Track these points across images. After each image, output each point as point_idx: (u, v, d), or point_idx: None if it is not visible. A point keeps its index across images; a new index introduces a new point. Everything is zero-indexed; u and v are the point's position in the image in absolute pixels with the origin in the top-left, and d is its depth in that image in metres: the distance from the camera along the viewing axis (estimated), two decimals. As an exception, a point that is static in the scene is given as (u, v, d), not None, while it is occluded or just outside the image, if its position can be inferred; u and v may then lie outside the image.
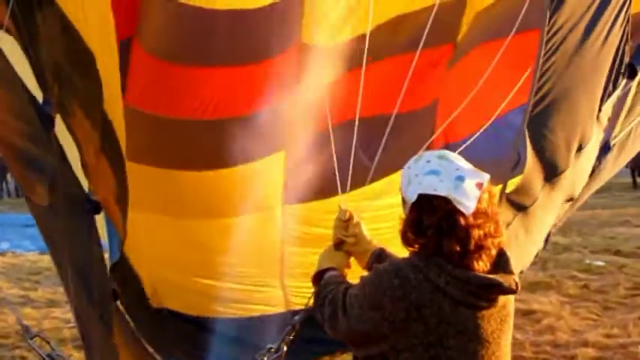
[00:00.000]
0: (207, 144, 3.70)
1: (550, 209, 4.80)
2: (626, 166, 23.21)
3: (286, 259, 4.15)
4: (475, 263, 2.21)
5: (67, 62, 3.58)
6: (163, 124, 3.63)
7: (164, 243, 4.07)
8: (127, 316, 4.33)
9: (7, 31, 3.45)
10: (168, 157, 3.76)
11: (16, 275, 9.20)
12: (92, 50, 3.42)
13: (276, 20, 3.40)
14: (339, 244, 2.82)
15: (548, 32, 3.93)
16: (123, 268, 4.09)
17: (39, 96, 3.73)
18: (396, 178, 2.97)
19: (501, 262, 2.28)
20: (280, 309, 4.33)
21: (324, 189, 3.61)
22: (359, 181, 3.45)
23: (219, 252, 4.00)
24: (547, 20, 3.91)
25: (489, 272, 2.23)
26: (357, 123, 3.25)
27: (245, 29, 3.39)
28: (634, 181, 22.20)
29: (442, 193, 2.19)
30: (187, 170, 3.78)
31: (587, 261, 11.46)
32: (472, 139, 3.78)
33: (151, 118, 3.60)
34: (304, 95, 3.49)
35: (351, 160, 3.29)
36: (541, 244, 5.09)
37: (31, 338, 3.78)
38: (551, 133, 4.26)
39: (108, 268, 4.05)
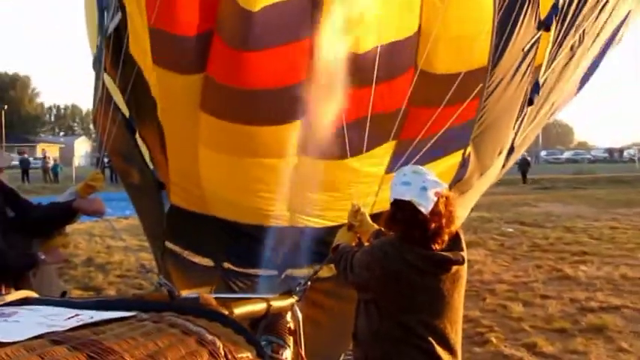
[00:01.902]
0: (262, 107, 4.03)
1: (477, 192, 5.37)
2: (518, 169, 27.30)
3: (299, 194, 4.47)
4: (433, 245, 2.64)
5: (140, 93, 4.35)
6: (235, 93, 4.01)
7: (229, 173, 4.41)
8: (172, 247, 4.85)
9: (106, 71, 4.43)
10: (238, 116, 4.12)
11: (135, 231, 10.45)
12: (150, 84, 4.14)
13: (308, 6, 3.73)
14: (350, 227, 3.41)
15: (488, 82, 4.29)
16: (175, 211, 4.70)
17: (126, 113, 4.56)
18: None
19: (455, 243, 2.70)
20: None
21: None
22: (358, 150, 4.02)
23: (266, 181, 4.40)
24: (488, 75, 4.24)
25: (445, 250, 2.65)
26: (369, 117, 3.84)
27: (283, 22, 3.73)
28: (523, 179, 29.11)
29: (407, 198, 2.64)
30: (250, 125, 4.15)
31: (503, 228, 13.99)
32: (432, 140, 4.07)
33: (227, 89, 3.99)
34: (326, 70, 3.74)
35: (366, 134, 3.84)
36: (467, 213, 5.55)
37: (147, 272, 4.73)
38: (485, 144, 4.81)
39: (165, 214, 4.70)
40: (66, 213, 3.74)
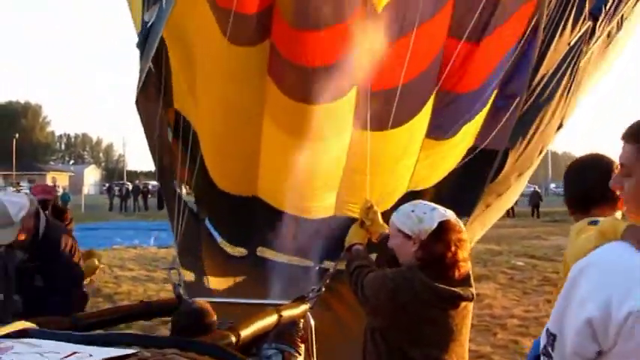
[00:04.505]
0: (320, 83, 4.12)
1: (515, 192, 5.36)
2: (529, 204, 27.49)
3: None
4: (444, 279, 2.57)
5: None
6: (294, 68, 4.21)
7: (285, 155, 4.37)
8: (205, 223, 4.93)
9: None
10: (294, 90, 4.27)
11: (142, 261, 11.02)
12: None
13: None
14: (362, 224, 3.47)
15: (532, 79, 4.35)
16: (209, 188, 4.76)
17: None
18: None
19: (465, 279, 2.63)
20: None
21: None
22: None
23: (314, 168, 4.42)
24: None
25: (456, 285, 2.58)
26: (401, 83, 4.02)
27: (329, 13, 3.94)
28: (532, 213, 28.69)
29: (406, 229, 2.66)
30: (304, 103, 4.24)
31: (513, 261, 13.77)
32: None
33: (289, 64, 4.19)
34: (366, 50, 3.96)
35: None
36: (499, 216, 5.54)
37: (171, 270, 4.06)
38: (529, 143, 4.72)
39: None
40: None
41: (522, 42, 4.36)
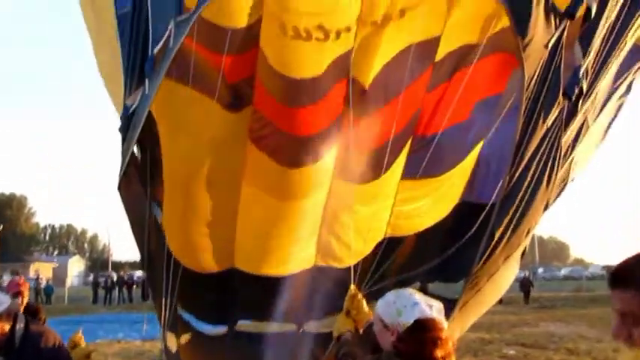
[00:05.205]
0: (300, 149, 4.34)
1: (507, 277, 5.27)
2: (520, 290, 26.99)
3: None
4: None
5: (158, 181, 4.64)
6: (280, 134, 4.37)
7: (267, 216, 4.53)
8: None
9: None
10: (279, 156, 4.44)
11: (127, 356, 10.89)
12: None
13: (328, 82, 4.26)
14: (347, 313, 3.59)
15: (517, 163, 4.47)
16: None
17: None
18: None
19: None
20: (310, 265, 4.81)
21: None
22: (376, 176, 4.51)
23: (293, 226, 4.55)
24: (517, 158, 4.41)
25: None
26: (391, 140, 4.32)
27: (310, 92, 4.22)
28: (526, 299, 28.09)
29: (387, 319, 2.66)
30: (288, 167, 4.46)
31: (504, 350, 13.62)
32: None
33: (275, 130, 4.37)
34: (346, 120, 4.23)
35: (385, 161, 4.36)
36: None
37: None
38: (516, 224, 4.71)
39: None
40: None
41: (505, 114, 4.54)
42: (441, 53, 4.46)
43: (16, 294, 4.90)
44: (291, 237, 4.67)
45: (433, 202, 5.05)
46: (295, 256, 4.82)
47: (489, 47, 4.38)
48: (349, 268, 4.40)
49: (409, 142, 4.78)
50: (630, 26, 4.76)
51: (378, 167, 4.54)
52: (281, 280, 4.71)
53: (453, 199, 5.09)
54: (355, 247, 4.70)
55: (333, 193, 4.67)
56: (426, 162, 4.76)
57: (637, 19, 4.77)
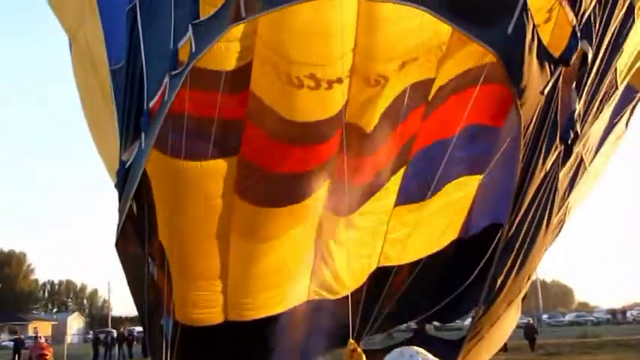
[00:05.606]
0: (286, 187, 4.58)
1: (509, 324, 5.55)
2: (525, 337, 26.29)
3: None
4: None
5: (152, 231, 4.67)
6: (270, 178, 4.63)
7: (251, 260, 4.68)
8: None
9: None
10: (262, 199, 4.66)
11: None
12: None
13: (327, 129, 4.57)
14: None
15: (516, 209, 4.60)
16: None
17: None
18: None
19: None
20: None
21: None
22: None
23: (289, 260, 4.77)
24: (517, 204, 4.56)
25: None
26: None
27: (308, 136, 4.50)
28: (531, 347, 26.97)
29: None
30: (269, 207, 4.70)
31: None
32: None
33: (259, 171, 4.57)
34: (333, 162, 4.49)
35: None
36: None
37: None
38: (519, 270, 4.83)
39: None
40: None
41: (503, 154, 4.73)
42: (435, 87, 4.75)
43: (39, 357, 4.93)
44: (281, 274, 4.85)
45: (421, 227, 5.24)
46: (289, 292, 4.99)
47: (487, 75, 4.50)
48: (344, 299, 4.52)
49: (402, 169, 5.11)
50: (612, 67, 4.89)
51: (370, 195, 4.74)
52: (277, 318, 4.85)
53: (444, 232, 5.18)
54: (348, 278, 4.96)
55: (324, 226, 4.85)
56: (411, 183, 5.06)
57: (618, 58, 4.88)
